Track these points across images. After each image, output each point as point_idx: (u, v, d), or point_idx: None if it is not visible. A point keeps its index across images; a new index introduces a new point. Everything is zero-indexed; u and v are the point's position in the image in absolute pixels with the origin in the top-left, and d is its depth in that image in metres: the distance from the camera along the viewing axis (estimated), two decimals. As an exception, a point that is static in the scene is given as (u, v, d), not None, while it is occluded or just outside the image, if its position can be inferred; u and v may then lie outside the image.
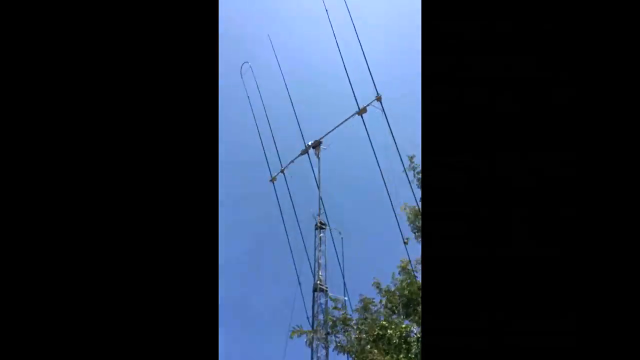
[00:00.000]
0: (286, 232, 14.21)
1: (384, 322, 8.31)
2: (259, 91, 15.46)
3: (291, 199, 14.46)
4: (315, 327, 11.54)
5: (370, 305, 9.05)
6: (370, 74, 11.76)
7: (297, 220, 13.82)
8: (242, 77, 15.93)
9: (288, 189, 14.47)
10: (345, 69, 12.02)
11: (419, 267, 9.22)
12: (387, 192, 10.62)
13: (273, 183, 15.44)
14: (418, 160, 9.80)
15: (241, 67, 16.28)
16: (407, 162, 9.69)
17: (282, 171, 15.11)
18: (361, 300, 9.18)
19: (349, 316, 9.02)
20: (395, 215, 9.54)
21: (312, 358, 11.85)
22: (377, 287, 9.30)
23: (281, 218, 14.28)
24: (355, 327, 8.57)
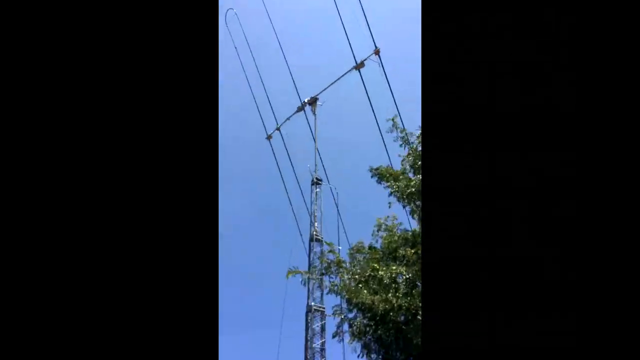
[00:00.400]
0: (285, 187, 14.81)
1: (375, 264, 8.97)
2: (248, 43, 14.58)
3: (289, 156, 14.39)
4: (310, 270, 13.06)
5: (362, 251, 9.75)
6: (369, 26, 11.41)
7: (296, 176, 14.05)
8: (227, 26, 14.76)
9: (285, 147, 14.42)
10: (342, 23, 11.64)
11: (396, 221, 9.29)
12: (386, 148, 10.44)
13: (269, 141, 15.40)
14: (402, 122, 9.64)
15: (225, 15, 14.94)
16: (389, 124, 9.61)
17: (277, 129, 15.09)
18: (353, 247, 9.88)
19: (342, 259, 9.71)
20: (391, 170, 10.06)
21: (308, 298, 12.92)
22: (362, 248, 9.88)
23: (279, 175, 14.49)
24: (347, 269, 9.22)
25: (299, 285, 11.78)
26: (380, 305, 7.38)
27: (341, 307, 8.81)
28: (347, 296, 8.64)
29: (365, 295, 7.89)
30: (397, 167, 9.59)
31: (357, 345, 8.23)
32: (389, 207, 9.62)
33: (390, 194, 9.05)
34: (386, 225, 9.56)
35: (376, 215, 9.79)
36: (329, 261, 10.01)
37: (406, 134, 9.45)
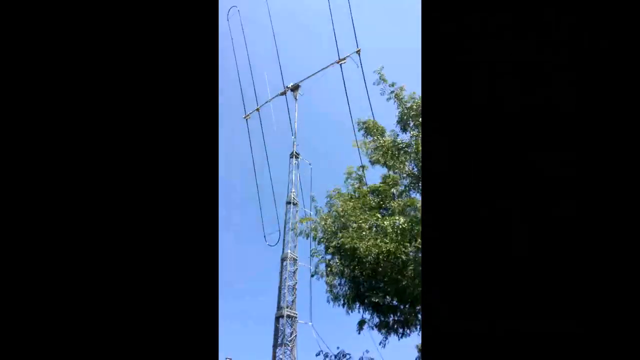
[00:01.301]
0: (267, 158, 14.87)
1: (359, 212, 8.34)
2: (244, 35, 14.91)
3: (262, 131, 14.72)
4: (285, 226, 14.14)
5: (338, 197, 8.83)
6: (354, 27, 11.90)
7: (266, 152, 14.50)
8: (228, 20, 15.27)
9: (261, 124, 14.78)
10: (332, 22, 12.00)
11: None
12: (355, 134, 12.01)
13: (247, 120, 15.53)
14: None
15: (228, 12, 15.56)
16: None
17: (257, 109, 15.28)
18: (329, 194, 8.97)
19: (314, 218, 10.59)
20: (359, 153, 9.53)
21: (283, 247, 15.04)
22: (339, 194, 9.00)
23: (264, 148, 14.74)
24: (324, 215, 8.69)
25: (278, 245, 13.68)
26: (373, 250, 7.51)
27: (316, 249, 8.28)
28: (324, 240, 8.34)
29: (347, 239, 7.81)
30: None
31: (337, 282, 8.20)
32: (367, 168, 9.05)
33: (376, 148, 8.80)
34: (357, 174, 9.19)
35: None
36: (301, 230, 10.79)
37: (397, 88, 8.82)
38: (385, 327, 8.56)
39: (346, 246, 7.93)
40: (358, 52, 12.06)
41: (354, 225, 8.24)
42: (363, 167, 9.46)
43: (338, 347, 8.50)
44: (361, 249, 7.82)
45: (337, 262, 8.29)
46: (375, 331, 8.44)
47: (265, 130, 15.48)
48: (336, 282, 8.47)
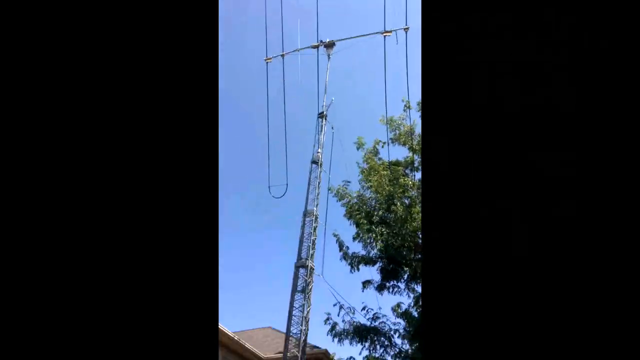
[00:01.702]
0: (285, 110, 14.55)
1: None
2: None
3: (284, 80, 14.06)
4: (310, 182, 14.41)
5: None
6: (406, 2, 11.62)
7: (284, 104, 14.04)
8: None
9: (283, 72, 14.05)
10: None
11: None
12: (386, 102, 10.94)
13: (267, 63, 14.65)
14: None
15: None
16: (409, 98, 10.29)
17: (282, 55, 14.47)
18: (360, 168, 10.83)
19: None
20: (387, 134, 10.78)
21: (306, 203, 15.64)
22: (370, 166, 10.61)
23: (283, 98, 14.35)
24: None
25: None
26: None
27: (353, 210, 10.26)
28: (360, 209, 10.02)
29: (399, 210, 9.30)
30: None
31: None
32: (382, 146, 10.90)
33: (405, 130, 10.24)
34: (369, 148, 11.20)
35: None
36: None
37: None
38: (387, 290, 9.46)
39: (399, 215, 8.98)
40: (406, 29, 11.73)
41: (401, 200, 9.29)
42: (383, 143, 10.59)
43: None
44: (414, 220, 8.75)
45: (381, 230, 9.30)
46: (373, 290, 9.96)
47: (289, 83, 14.84)
48: (370, 247, 9.74)
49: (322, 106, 16.32)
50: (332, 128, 16.71)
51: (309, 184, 15.48)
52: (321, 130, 16.81)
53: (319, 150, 16.39)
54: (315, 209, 14.05)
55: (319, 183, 15.14)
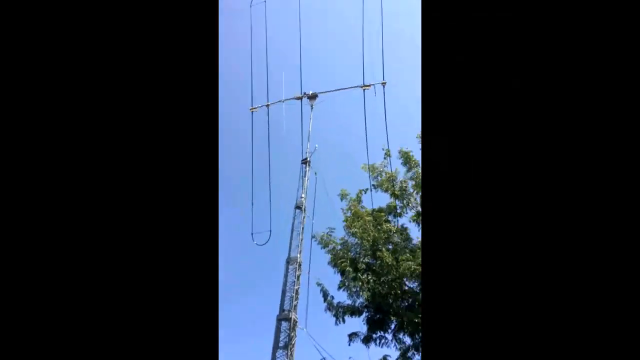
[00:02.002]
0: (269, 159, 14.69)
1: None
2: (266, 28, 14.39)
3: (268, 128, 14.30)
4: (293, 229, 15.46)
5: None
6: (383, 59, 12.12)
7: (269, 152, 14.21)
8: (250, 8, 14.56)
9: (268, 121, 14.30)
10: (363, 46, 12.25)
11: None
12: (367, 148, 11.44)
13: (252, 113, 14.93)
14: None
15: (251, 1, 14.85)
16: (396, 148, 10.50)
17: (267, 105, 14.83)
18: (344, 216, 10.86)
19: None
20: (370, 181, 10.76)
21: (289, 250, 15.19)
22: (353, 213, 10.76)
23: (267, 148, 14.51)
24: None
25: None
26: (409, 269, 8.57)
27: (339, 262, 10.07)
28: (342, 256, 9.95)
29: (386, 256, 9.12)
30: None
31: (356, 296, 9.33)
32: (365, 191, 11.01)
33: (389, 178, 10.46)
34: (351, 197, 11.42)
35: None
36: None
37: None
38: (374, 342, 9.15)
39: (386, 262, 8.85)
40: (383, 84, 12.35)
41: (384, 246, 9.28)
42: (365, 190, 10.70)
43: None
44: (400, 267, 8.69)
45: (367, 277, 9.14)
46: (359, 342, 9.57)
47: (273, 131, 15.27)
48: (355, 296, 9.57)
49: (306, 153, 16.49)
50: (315, 174, 16.78)
51: (292, 230, 15.17)
52: (305, 175, 16.85)
53: (303, 195, 16.25)
54: (298, 256, 13.74)
55: (302, 228, 14.90)
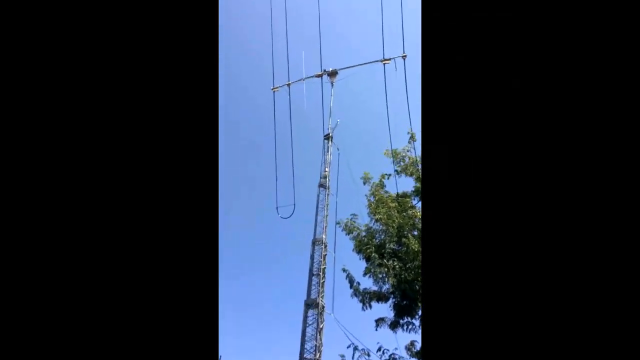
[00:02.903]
0: (292, 135, 15.08)
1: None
2: (286, 9, 14.23)
3: (290, 107, 14.48)
4: (317, 208, 14.39)
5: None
6: (403, 32, 11.70)
7: (291, 129, 14.37)
8: None
9: (290, 99, 14.48)
10: (382, 19, 11.95)
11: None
12: (389, 128, 11.27)
13: (274, 92, 15.29)
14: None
15: None
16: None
17: (288, 84, 15.12)
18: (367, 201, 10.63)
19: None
20: (394, 166, 10.42)
21: (315, 230, 15.19)
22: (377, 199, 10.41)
23: (289, 125, 14.80)
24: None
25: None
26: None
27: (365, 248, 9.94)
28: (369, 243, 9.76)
29: (412, 243, 9.02)
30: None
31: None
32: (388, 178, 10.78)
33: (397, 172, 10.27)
34: (375, 182, 11.17)
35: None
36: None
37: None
38: (401, 327, 9.16)
39: (412, 248, 8.70)
40: (404, 57, 11.87)
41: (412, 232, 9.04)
42: (389, 175, 10.39)
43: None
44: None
45: (394, 264, 8.98)
46: (386, 328, 9.52)
47: (295, 110, 15.14)
48: (382, 283, 9.39)
49: (328, 129, 16.29)
50: (338, 149, 16.61)
51: (316, 211, 15.18)
52: (327, 151, 16.69)
53: (326, 169, 16.18)
54: (324, 236, 13.79)
55: (327, 205, 14.91)
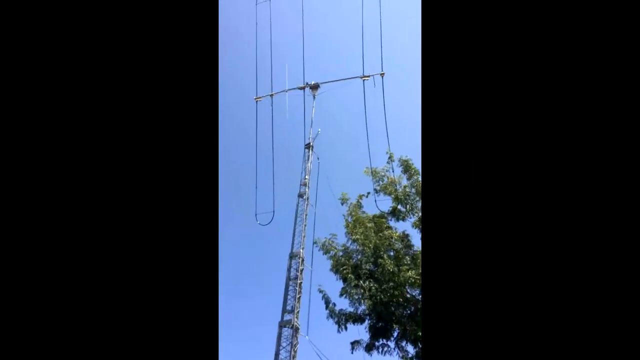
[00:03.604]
0: (273, 144, 14.92)
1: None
2: (270, 22, 14.36)
3: (272, 116, 14.42)
4: (296, 222, 14.24)
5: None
6: (381, 50, 12.13)
7: (272, 139, 14.33)
8: (256, 6, 14.59)
9: (272, 109, 14.37)
10: (363, 38, 12.27)
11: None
12: (368, 144, 11.62)
13: (257, 102, 15.25)
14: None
15: None
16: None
17: (271, 95, 14.94)
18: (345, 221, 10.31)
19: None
20: (372, 181, 10.31)
21: (292, 245, 14.97)
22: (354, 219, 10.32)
23: (271, 135, 14.58)
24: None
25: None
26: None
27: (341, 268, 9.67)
28: (345, 263, 9.50)
29: (388, 264, 8.93)
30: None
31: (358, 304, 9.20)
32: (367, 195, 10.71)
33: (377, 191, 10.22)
34: (352, 202, 10.92)
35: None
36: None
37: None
38: (377, 350, 9.10)
39: (387, 269, 8.61)
40: (382, 75, 12.26)
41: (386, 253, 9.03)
42: (367, 193, 10.26)
43: None
44: (400, 275, 8.53)
45: (370, 285, 8.85)
46: (362, 350, 9.33)
47: (277, 120, 15.15)
48: (357, 304, 9.25)
49: (309, 139, 16.20)
50: (318, 158, 16.52)
51: (295, 223, 14.97)
52: (308, 159, 16.56)
53: (306, 177, 16.02)
54: (301, 250, 13.56)
55: (305, 216, 14.74)
